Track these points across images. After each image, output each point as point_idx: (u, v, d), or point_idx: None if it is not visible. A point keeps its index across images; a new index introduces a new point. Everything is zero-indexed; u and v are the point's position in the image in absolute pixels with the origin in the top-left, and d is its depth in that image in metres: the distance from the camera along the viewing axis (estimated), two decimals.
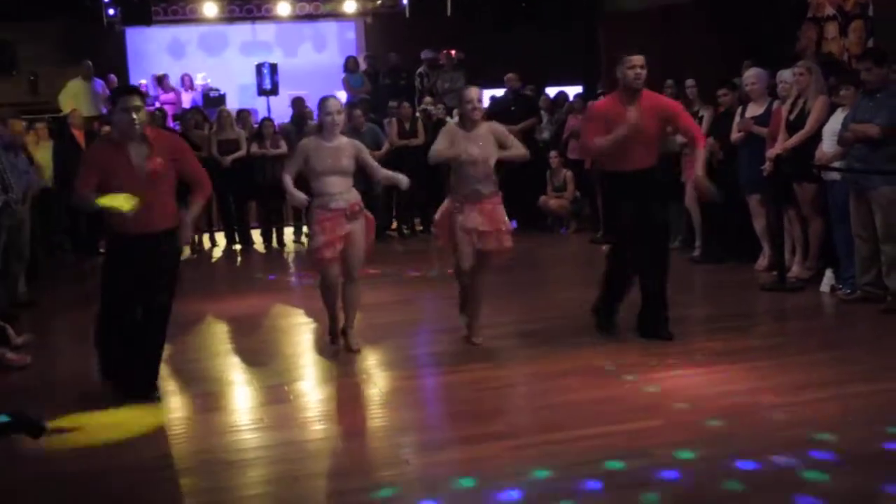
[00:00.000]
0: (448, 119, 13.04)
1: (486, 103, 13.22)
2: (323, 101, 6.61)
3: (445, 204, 6.66)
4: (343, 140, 6.57)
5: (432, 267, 9.99)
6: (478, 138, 6.50)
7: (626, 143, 6.31)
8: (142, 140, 5.61)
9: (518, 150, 6.76)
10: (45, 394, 6.12)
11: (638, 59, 6.37)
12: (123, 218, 5.44)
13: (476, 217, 6.48)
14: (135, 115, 5.52)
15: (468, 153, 6.43)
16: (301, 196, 6.49)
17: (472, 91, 6.56)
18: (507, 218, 6.69)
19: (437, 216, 6.80)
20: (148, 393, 5.81)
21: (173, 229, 5.75)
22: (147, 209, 5.51)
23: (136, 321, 5.81)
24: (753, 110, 8.70)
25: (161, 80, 15.42)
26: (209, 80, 15.62)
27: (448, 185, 6.70)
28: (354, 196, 6.56)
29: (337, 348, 6.77)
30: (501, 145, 6.61)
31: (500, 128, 6.74)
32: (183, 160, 5.84)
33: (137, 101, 5.58)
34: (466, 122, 6.56)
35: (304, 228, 12.71)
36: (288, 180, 6.51)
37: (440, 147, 6.52)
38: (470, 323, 6.81)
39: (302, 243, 12.55)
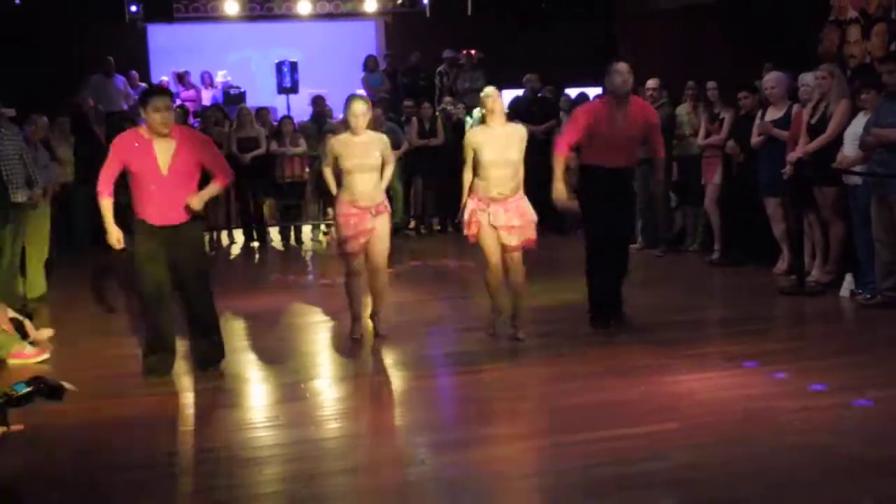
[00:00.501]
0: (468, 118, 13.06)
1: (505, 104, 13.35)
2: (350, 102, 6.72)
3: (471, 204, 6.67)
4: (371, 134, 6.72)
5: (448, 266, 9.98)
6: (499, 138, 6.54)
7: (609, 143, 6.68)
8: (168, 138, 5.86)
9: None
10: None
11: (623, 66, 6.79)
12: (151, 206, 5.86)
13: (501, 215, 6.54)
14: (165, 116, 5.79)
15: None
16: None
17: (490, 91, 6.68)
18: (532, 210, 6.71)
19: (464, 216, 6.75)
20: (207, 364, 6.24)
21: (193, 220, 6.05)
22: (170, 205, 5.85)
23: (167, 302, 6.15)
24: (773, 114, 8.66)
25: (182, 78, 15.51)
26: (229, 78, 15.67)
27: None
28: (381, 196, 6.75)
29: (358, 337, 6.88)
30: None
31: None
32: (205, 151, 6.10)
33: (168, 102, 5.89)
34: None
35: (322, 227, 12.79)
36: (327, 173, 6.86)
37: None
38: (514, 318, 6.81)
39: (319, 241, 12.59)
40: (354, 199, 6.66)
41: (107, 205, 6.03)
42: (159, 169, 5.86)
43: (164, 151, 5.87)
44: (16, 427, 4.55)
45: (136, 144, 5.90)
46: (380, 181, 6.76)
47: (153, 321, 6.18)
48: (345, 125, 6.81)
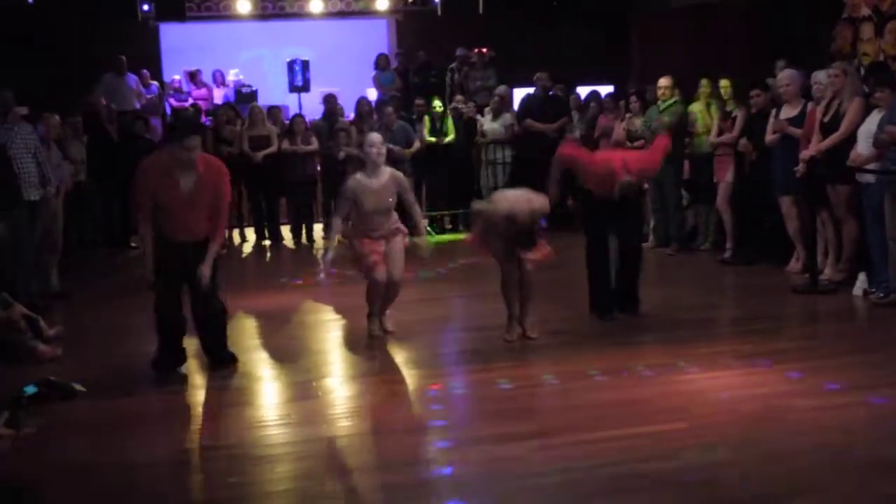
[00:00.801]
0: (478, 117, 13.05)
1: (516, 102, 13.34)
2: (365, 136, 7.09)
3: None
4: (385, 177, 6.91)
5: (460, 264, 9.97)
6: None
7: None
8: (193, 170, 6.10)
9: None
10: None
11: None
12: (169, 224, 6.09)
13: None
14: (193, 155, 6.05)
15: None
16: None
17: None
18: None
19: (473, 232, 6.94)
20: (223, 359, 6.44)
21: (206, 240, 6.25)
22: (188, 225, 6.12)
23: (179, 308, 6.34)
24: (787, 112, 8.60)
25: (193, 76, 15.54)
26: (241, 77, 15.69)
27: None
28: (394, 223, 6.97)
29: (377, 334, 6.99)
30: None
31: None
32: (218, 191, 6.24)
33: (198, 142, 6.14)
34: None
35: None
36: (338, 224, 7.02)
37: None
38: (522, 318, 6.83)
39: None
40: (368, 233, 6.89)
41: (150, 241, 6.17)
42: (182, 196, 6.07)
43: (186, 181, 6.08)
44: (28, 430, 4.58)
45: (160, 175, 6.10)
46: (392, 216, 6.98)
47: (165, 322, 6.30)
48: (361, 163, 7.09)
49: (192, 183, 6.10)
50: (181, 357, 6.42)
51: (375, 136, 7.02)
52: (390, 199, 6.91)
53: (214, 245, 6.28)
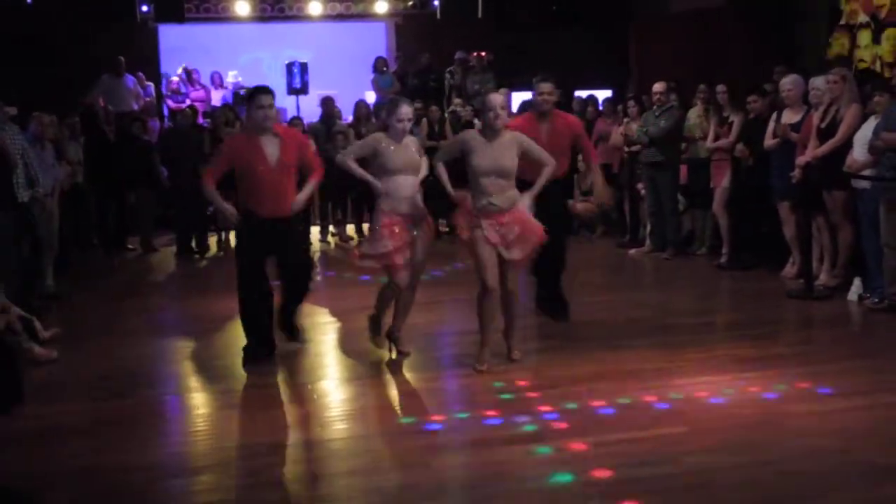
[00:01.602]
0: (475, 121, 13.05)
1: (514, 107, 13.34)
2: (395, 106, 6.39)
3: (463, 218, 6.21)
4: (410, 137, 6.47)
5: (457, 268, 9.98)
6: (499, 147, 6.06)
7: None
8: (273, 134, 6.32)
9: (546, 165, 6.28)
10: (71, 388, 6.16)
11: (546, 87, 7.17)
12: (258, 197, 6.28)
13: (494, 234, 6.05)
14: (268, 112, 6.27)
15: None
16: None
17: (496, 97, 6.22)
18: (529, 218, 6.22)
19: (459, 227, 6.28)
20: (294, 335, 6.78)
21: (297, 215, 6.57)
22: (277, 195, 6.29)
23: (266, 293, 6.53)
24: (790, 117, 8.55)
25: (189, 74, 15.45)
26: (240, 78, 15.68)
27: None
28: (419, 201, 6.42)
29: (383, 342, 6.66)
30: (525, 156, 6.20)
31: (525, 138, 6.26)
32: (304, 151, 6.60)
33: (270, 100, 6.31)
34: (487, 131, 6.14)
35: (331, 227, 12.79)
36: (353, 164, 6.46)
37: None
38: (507, 338, 6.37)
39: (328, 242, 12.59)
40: (394, 206, 6.31)
41: (212, 192, 6.40)
42: (268, 162, 6.27)
43: (271, 146, 6.30)
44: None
45: (244, 143, 6.37)
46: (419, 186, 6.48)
47: (251, 309, 6.48)
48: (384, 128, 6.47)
49: (277, 149, 6.29)
50: (272, 345, 6.58)
51: (406, 109, 6.34)
52: (418, 156, 6.39)
53: (313, 180, 6.56)
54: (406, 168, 6.34)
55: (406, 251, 6.32)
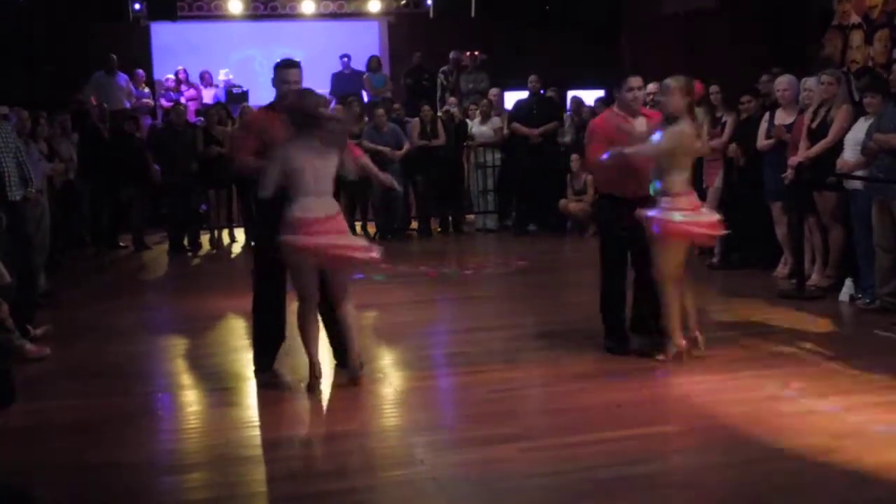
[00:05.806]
0: (468, 120, 13.07)
1: (508, 105, 13.36)
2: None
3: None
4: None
5: (449, 267, 9.99)
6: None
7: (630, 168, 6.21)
8: None
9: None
10: (62, 385, 6.16)
11: (636, 81, 6.59)
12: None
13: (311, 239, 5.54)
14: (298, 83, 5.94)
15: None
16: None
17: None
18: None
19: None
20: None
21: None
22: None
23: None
24: (784, 117, 8.55)
25: (177, 75, 15.42)
26: (231, 77, 15.65)
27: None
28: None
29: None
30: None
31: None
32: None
33: (298, 75, 6.05)
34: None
35: None
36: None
37: None
38: (349, 355, 5.91)
39: None
40: None
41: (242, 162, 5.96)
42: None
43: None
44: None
45: (266, 119, 6.03)
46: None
47: (273, 320, 6.17)
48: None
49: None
50: (273, 359, 6.19)
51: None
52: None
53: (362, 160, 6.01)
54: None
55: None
